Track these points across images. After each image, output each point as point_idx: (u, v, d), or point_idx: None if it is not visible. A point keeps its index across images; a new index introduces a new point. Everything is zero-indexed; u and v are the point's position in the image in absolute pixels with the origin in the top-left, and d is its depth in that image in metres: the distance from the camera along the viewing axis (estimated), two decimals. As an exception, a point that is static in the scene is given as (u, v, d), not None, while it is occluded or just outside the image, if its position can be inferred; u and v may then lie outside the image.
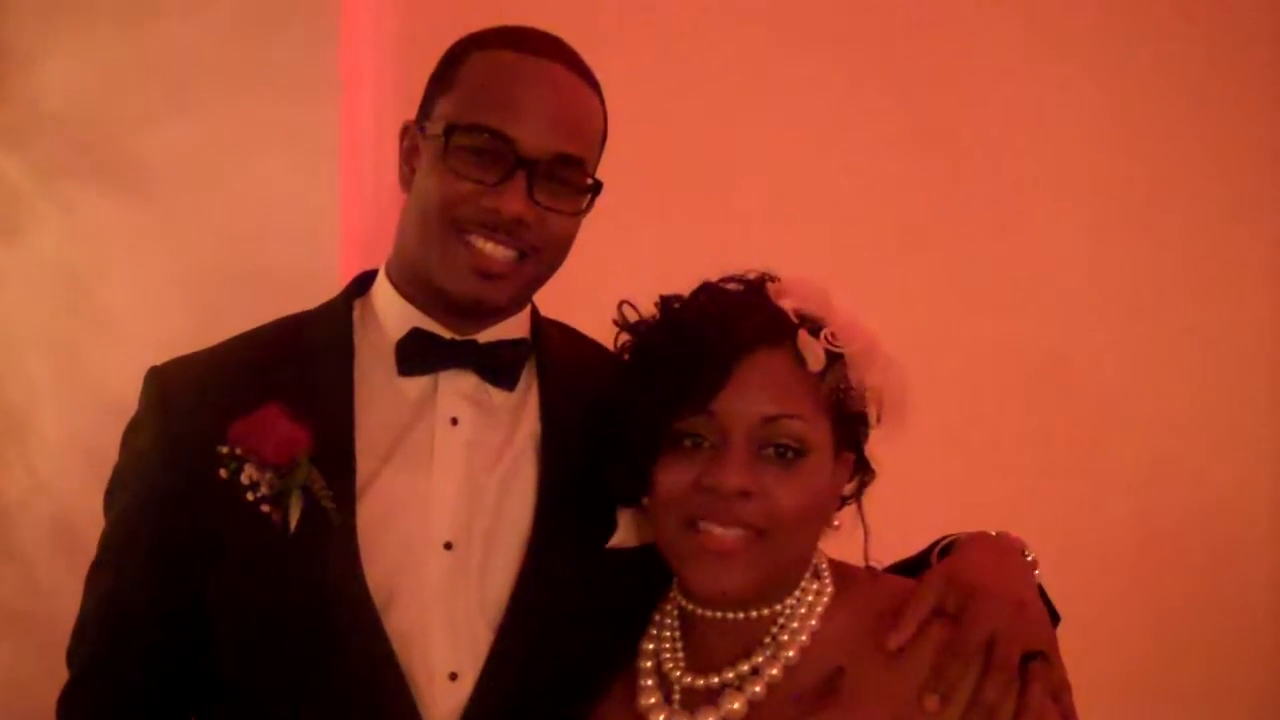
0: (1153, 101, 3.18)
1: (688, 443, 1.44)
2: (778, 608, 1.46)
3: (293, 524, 1.49)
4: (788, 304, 1.49)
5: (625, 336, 1.58)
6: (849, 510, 1.56)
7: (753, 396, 1.42)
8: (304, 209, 2.37)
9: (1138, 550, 3.09)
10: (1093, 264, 3.16)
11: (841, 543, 1.55)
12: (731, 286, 1.54)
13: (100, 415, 2.10)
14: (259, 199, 2.37)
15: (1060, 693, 1.38)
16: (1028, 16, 3.16)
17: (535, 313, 1.74)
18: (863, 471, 1.56)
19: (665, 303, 1.56)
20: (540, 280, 1.65)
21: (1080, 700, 1.41)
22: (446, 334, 1.63)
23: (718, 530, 1.41)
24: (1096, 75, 3.17)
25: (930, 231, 3.10)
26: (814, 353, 1.45)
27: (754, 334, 1.45)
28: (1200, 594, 3.11)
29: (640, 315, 1.57)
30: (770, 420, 1.42)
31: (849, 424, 1.50)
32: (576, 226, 1.63)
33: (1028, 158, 3.14)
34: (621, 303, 1.58)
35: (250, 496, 1.49)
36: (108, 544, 1.65)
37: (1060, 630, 1.49)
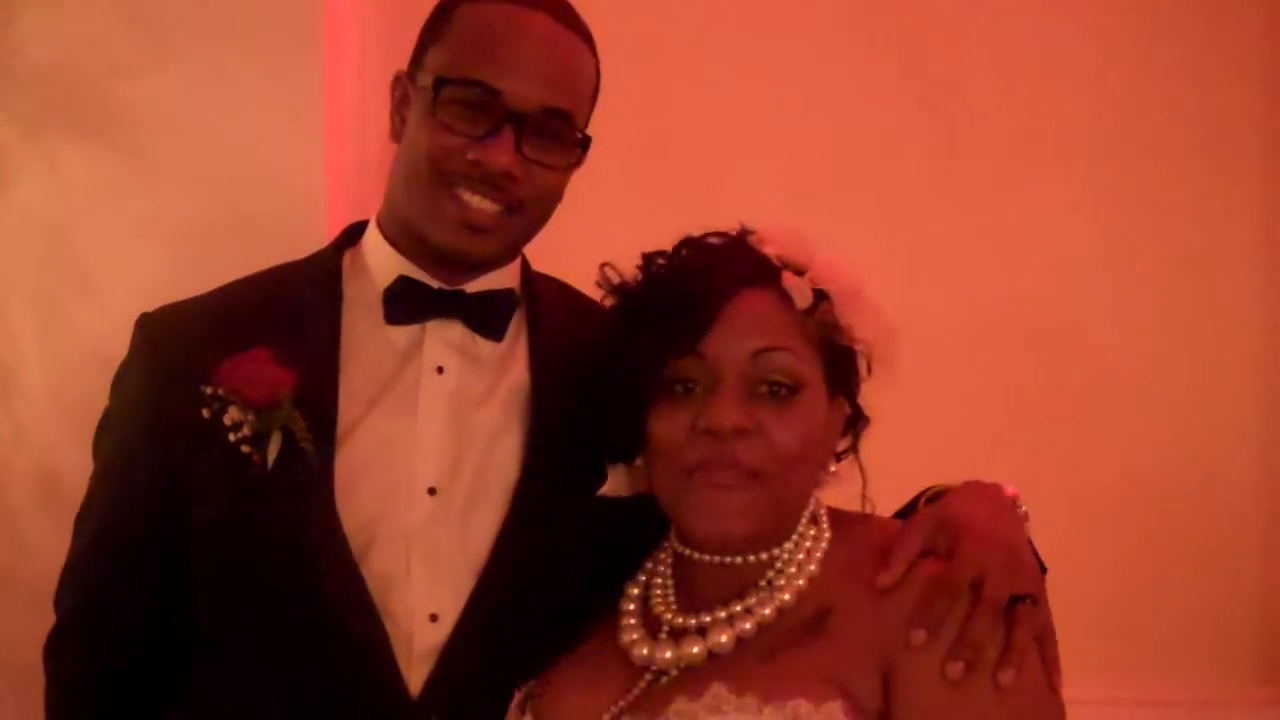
0: (1147, 67, 3.15)
1: (679, 389, 1.44)
2: (775, 552, 1.46)
3: (270, 461, 1.50)
4: (770, 250, 1.50)
5: (610, 300, 1.59)
6: (847, 460, 1.57)
7: (741, 334, 1.42)
8: (289, 161, 2.35)
9: (1127, 513, 3.10)
10: (1085, 228, 3.14)
11: (838, 494, 1.56)
12: (712, 239, 1.55)
13: (84, 369, 2.09)
14: (243, 151, 2.35)
15: (1045, 637, 1.38)
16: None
17: (526, 265, 1.74)
18: (858, 421, 1.56)
19: (647, 259, 1.56)
20: (528, 234, 1.65)
21: (1065, 656, 1.40)
22: (434, 283, 1.63)
23: (716, 476, 1.41)
24: (1092, 40, 3.14)
25: (922, 195, 3.08)
26: (800, 290, 1.46)
27: (738, 276, 1.46)
28: (1187, 555, 3.12)
29: (622, 277, 1.58)
30: (760, 354, 1.42)
31: (840, 362, 1.50)
32: (565, 181, 1.63)
33: (1023, 121, 3.12)
34: (603, 265, 1.59)
35: (232, 437, 1.50)
36: (96, 486, 1.67)
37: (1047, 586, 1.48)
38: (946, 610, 1.33)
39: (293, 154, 2.35)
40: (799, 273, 1.48)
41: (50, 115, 2.38)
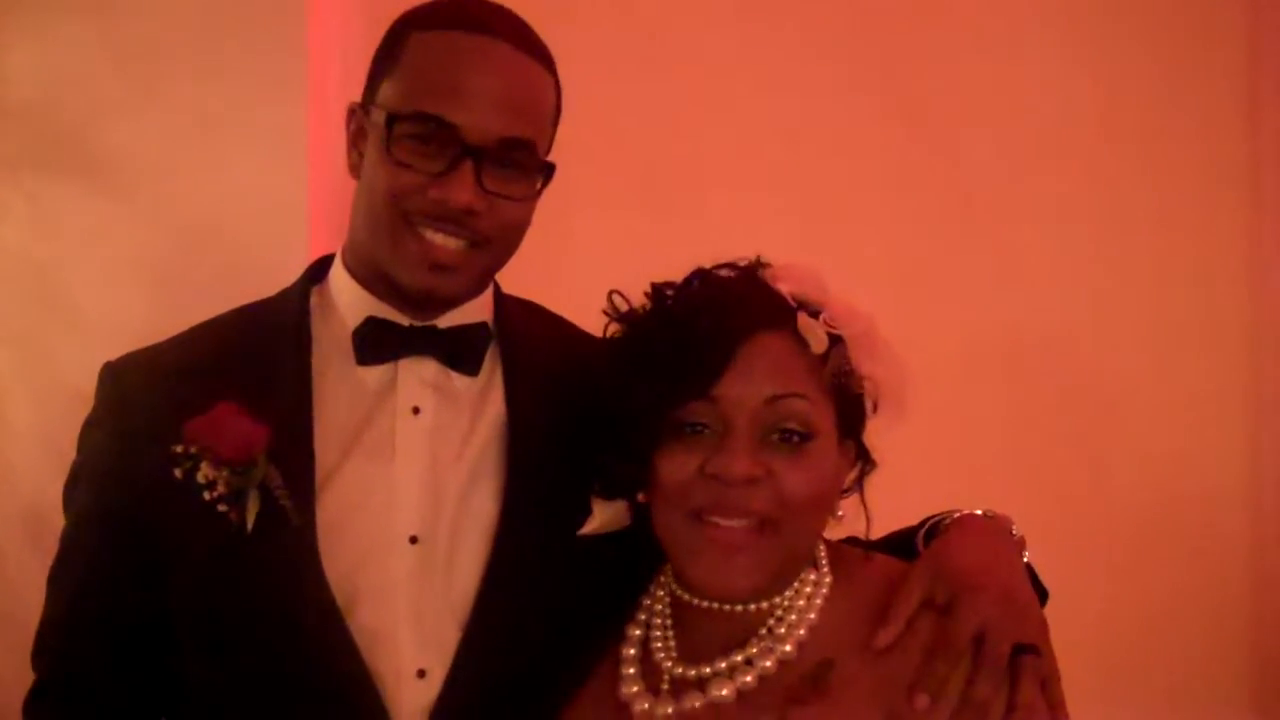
0: (1133, 86, 3.18)
1: (688, 430, 1.40)
2: (777, 600, 1.43)
3: (250, 523, 1.45)
4: (784, 288, 1.45)
5: (615, 327, 1.53)
6: (851, 498, 1.54)
7: (755, 379, 1.38)
8: (272, 200, 2.36)
9: (1119, 536, 3.11)
10: (1076, 251, 3.17)
11: (840, 529, 1.54)
12: (725, 273, 1.49)
13: (67, 407, 2.07)
14: (226, 190, 2.36)
15: (1050, 682, 1.35)
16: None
17: (498, 293, 1.69)
18: (864, 461, 1.51)
19: (657, 290, 1.50)
20: (494, 268, 1.61)
21: (1065, 686, 1.39)
22: (405, 320, 1.58)
23: (724, 523, 1.38)
24: (1079, 60, 3.17)
25: (911, 218, 3.10)
26: (816, 334, 1.41)
27: (754, 318, 1.41)
28: (1179, 581, 3.12)
29: (631, 305, 1.52)
30: (774, 400, 1.38)
31: (852, 409, 1.46)
32: (530, 211, 1.57)
33: (1015, 143, 3.15)
34: (612, 292, 1.53)
35: (207, 496, 1.45)
36: (68, 544, 1.62)
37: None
38: (949, 671, 1.31)
39: (277, 192, 2.36)
40: (813, 313, 1.43)
41: (33, 154, 2.39)
